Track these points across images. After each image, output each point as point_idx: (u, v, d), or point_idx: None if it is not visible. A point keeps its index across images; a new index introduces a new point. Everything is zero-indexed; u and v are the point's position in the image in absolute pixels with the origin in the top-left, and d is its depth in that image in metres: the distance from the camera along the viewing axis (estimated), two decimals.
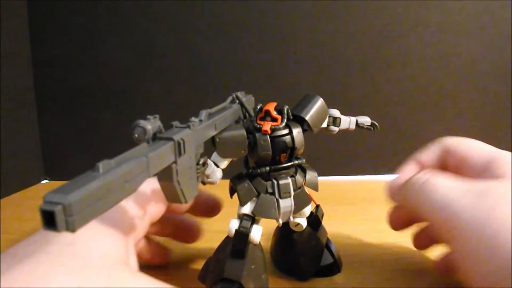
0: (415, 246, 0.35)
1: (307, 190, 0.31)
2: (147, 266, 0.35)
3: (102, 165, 0.15)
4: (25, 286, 0.18)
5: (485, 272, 0.22)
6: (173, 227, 0.35)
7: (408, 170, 0.33)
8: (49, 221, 0.13)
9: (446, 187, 0.26)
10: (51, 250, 0.20)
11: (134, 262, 0.25)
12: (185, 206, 0.33)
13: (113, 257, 0.21)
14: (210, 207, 0.35)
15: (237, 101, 0.30)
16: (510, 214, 0.22)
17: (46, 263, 0.19)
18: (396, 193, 0.31)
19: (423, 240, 0.34)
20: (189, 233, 0.36)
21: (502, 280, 0.21)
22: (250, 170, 0.30)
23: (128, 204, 0.26)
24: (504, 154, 0.28)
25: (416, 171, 0.33)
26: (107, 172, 0.15)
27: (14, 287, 0.18)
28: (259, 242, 0.30)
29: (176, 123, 0.23)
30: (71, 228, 0.13)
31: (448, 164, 0.31)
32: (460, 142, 0.31)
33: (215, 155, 0.29)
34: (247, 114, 0.31)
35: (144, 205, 0.27)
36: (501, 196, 0.23)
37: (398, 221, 0.34)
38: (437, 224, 0.26)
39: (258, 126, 0.29)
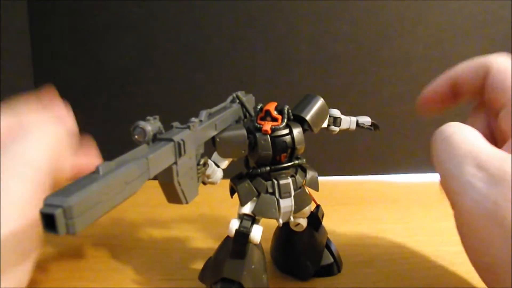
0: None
1: (308, 190, 0.31)
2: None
3: (102, 167, 0.15)
4: None
5: (483, 261, 0.22)
6: None
7: (438, 86, 0.30)
8: (50, 224, 0.13)
9: (463, 155, 0.22)
10: None
11: None
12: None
13: None
14: None
15: (237, 101, 0.30)
16: None
17: None
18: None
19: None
20: None
21: (497, 273, 0.21)
22: (251, 170, 0.30)
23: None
24: None
25: (448, 90, 0.30)
26: (107, 174, 0.15)
27: None
28: (259, 242, 0.30)
29: (176, 123, 0.23)
30: (72, 230, 0.13)
31: (487, 91, 0.27)
32: (507, 65, 0.26)
33: (215, 155, 0.29)
34: (247, 114, 0.31)
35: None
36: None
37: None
38: (446, 189, 0.24)
39: (259, 126, 0.29)
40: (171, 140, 0.20)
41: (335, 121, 0.34)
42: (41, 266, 0.34)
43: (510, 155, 0.22)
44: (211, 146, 0.27)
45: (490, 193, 0.21)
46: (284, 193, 0.30)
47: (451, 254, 0.37)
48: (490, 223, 0.20)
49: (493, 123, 0.28)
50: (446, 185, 0.24)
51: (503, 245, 0.20)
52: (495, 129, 0.28)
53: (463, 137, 0.23)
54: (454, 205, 0.23)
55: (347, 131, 0.35)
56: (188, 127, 0.22)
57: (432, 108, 0.32)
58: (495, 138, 0.28)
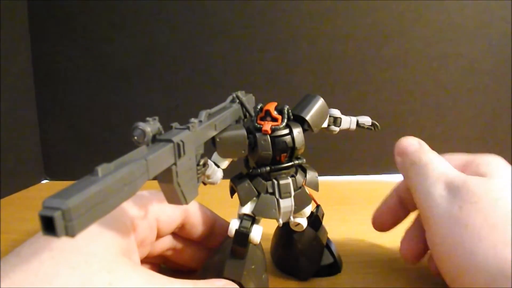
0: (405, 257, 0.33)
1: (308, 190, 0.31)
2: None
3: (101, 169, 0.15)
4: (29, 286, 0.18)
5: (452, 266, 0.24)
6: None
7: (389, 203, 0.35)
8: (49, 226, 0.13)
9: (434, 176, 0.27)
10: (54, 246, 0.20)
11: (136, 257, 0.25)
12: (199, 233, 0.32)
13: (114, 251, 0.21)
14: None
15: (237, 101, 0.30)
16: (477, 215, 0.23)
17: (50, 261, 0.19)
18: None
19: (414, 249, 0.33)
20: None
21: (465, 275, 0.23)
22: (251, 170, 0.30)
23: (128, 204, 0.26)
24: (481, 155, 0.29)
25: (397, 203, 0.34)
26: (106, 176, 0.15)
27: (18, 287, 0.18)
28: (259, 242, 0.30)
29: (175, 124, 0.23)
30: (71, 233, 0.13)
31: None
32: None
33: (215, 155, 0.29)
34: (247, 114, 0.31)
35: (146, 204, 0.27)
36: (472, 195, 0.24)
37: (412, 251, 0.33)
38: (419, 210, 0.28)
39: (259, 126, 0.29)
40: (170, 141, 0.20)
41: (335, 121, 0.34)
42: None
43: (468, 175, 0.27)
44: (211, 146, 0.27)
45: (453, 202, 0.25)
46: (284, 193, 0.30)
47: None
48: (456, 226, 0.24)
49: None
50: (419, 208, 0.28)
51: (468, 245, 0.23)
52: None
53: (434, 163, 0.28)
54: (425, 222, 0.27)
55: (347, 131, 0.35)
56: (188, 128, 0.22)
57: (387, 225, 0.36)
58: None
